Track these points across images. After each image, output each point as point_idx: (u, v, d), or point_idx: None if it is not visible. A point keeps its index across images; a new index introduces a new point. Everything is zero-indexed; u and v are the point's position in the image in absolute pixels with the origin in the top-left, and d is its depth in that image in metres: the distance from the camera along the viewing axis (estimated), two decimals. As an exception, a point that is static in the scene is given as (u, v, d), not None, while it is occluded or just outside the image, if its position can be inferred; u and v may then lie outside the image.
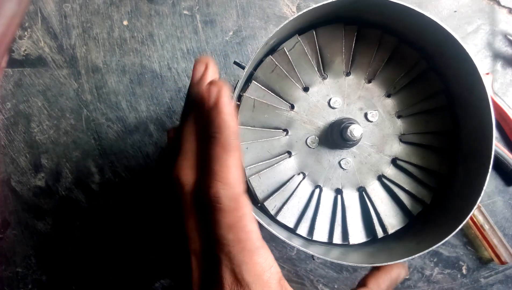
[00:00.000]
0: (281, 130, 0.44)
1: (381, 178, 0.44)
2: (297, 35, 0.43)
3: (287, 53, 0.43)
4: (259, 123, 0.44)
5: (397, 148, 0.45)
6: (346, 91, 0.45)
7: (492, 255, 0.54)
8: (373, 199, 0.44)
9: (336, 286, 0.56)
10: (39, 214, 0.56)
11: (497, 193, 0.56)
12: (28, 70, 0.55)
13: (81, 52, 0.55)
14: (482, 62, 0.56)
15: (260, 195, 0.43)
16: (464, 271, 0.56)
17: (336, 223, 0.44)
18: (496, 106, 0.54)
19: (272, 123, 0.44)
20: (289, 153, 0.44)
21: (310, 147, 0.44)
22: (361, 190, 0.44)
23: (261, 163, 0.43)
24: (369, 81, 0.45)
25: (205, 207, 0.25)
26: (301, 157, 0.44)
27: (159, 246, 0.56)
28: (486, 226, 0.53)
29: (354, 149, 0.44)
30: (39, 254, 0.56)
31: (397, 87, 0.44)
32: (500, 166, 0.55)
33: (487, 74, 0.54)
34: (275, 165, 0.44)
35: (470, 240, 0.56)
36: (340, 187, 0.44)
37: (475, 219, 0.54)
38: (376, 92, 0.45)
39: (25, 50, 0.55)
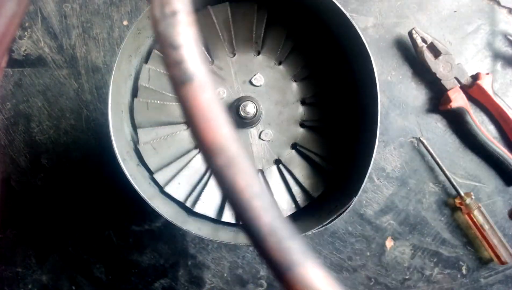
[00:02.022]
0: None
1: (295, 145, 0.47)
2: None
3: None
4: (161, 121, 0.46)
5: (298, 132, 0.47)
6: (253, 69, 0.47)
7: (492, 255, 0.54)
8: (291, 169, 0.47)
9: (336, 286, 0.56)
10: (39, 214, 0.56)
11: (497, 193, 0.56)
12: (28, 70, 0.55)
13: (81, 52, 0.55)
14: (482, 62, 0.56)
15: (181, 197, 0.46)
16: (464, 271, 0.56)
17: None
18: (496, 106, 0.54)
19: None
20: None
21: None
22: (278, 163, 0.47)
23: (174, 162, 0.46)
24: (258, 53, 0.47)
25: None
26: None
27: (162, 247, 0.56)
28: (486, 226, 0.53)
29: (262, 126, 0.47)
30: (39, 254, 0.56)
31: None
32: (500, 166, 0.55)
33: (487, 74, 0.54)
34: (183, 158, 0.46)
35: (470, 240, 0.56)
36: (259, 167, 0.47)
37: (475, 219, 0.54)
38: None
39: (25, 50, 0.55)
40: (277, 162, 0.47)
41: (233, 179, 0.12)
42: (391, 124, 0.55)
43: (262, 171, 0.47)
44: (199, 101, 0.12)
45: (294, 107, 0.47)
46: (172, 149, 0.46)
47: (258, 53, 0.47)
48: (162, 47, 0.12)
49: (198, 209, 0.45)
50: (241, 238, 0.42)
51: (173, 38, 0.12)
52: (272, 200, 0.12)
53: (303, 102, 0.47)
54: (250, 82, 0.46)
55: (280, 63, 0.47)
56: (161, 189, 0.45)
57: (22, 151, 0.55)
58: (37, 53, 0.55)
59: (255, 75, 0.46)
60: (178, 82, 0.12)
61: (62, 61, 0.55)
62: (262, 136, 0.47)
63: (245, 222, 0.12)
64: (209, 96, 0.12)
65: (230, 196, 0.12)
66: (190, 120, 0.12)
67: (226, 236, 0.42)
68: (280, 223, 0.12)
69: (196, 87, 0.12)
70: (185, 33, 0.12)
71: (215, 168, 0.12)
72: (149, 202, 0.38)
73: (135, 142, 0.45)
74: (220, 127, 0.12)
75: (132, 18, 0.55)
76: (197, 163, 0.47)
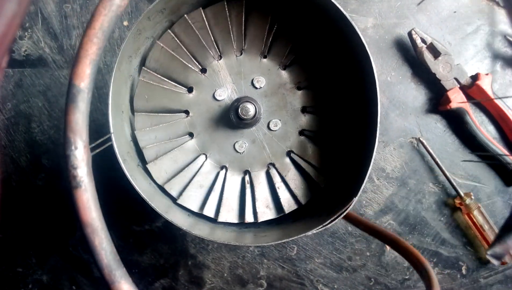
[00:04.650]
0: (183, 112, 0.47)
1: (290, 153, 0.47)
2: (170, 30, 0.45)
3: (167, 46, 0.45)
4: (159, 109, 0.47)
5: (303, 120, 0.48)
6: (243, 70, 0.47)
7: (492, 255, 0.54)
8: (283, 174, 0.47)
9: (336, 286, 0.56)
10: (40, 214, 0.56)
11: (497, 193, 0.56)
12: (29, 71, 0.55)
13: (81, 52, 0.55)
14: (481, 62, 0.56)
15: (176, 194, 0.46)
16: (463, 271, 0.56)
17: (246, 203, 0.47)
18: (496, 106, 0.54)
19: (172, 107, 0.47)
20: (204, 154, 0.47)
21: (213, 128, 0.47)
22: (270, 167, 0.47)
23: (178, 172, 0.47)
24: (265, 57, 0.47)
25: None
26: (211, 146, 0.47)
27: (162, 247, 0.56)
28: (486, 226, 0.54)
29: (263, 128, 0.47)
30: (39, 254, 0.56)
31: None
32: (500, 167, 0.55)
33: (487, 74, 0.54)
34: (190, 165, 0.47)
35: (469, 240, 0.56)
36: (248, 168, 0.47)
37: (474, 219, 0.54)
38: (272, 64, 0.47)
39: (25, 50, 0.55)
40: (271, 165, 0.47)
41: (93, 238, 0.23)
42: (391, 125, 0.55)
43: (249, 172, 0.47)
44: (82, 199, 0.23)
45: (295, 97, 0.47)
46: (164, 101, 0.47)
47: (265, 57, 0.47)
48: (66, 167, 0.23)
49: (150, 166, 0.45)
50: (241, 239, 0.42)
51: (73, 162, 0.23)
52: (112, 250, 0.24)
53: (304, 104, 0.47)
54: (252, 84, 0.46)
55: (284, 68, 0.47)
56: (161, 189, 0.45)
57: (23, 151, 0.55)
58: (37, 54, 0.55)
59: (258, 77, 0.46)
60: (72, 187, 0.23)
61: (63, 61, 0.55)
62: (271, 125, 0.47)
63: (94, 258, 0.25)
64: (88, 195, 0.23)
65: (91, 249, 0.24)
66: (76, 208, 0.23)
67: (225, 236, 0.42)
68: (111, 259, 0.24)
69: (82, 191, 0.23)
70: (80, 159, 0.23)
71: (85, 233, 0.23)
72: (149, 202, 0.38)
73: (137, 146, 0.45)
74: (90, 212, 0.23)
75: (132, 19, 0.56)
76: (177, 128, 0.47)
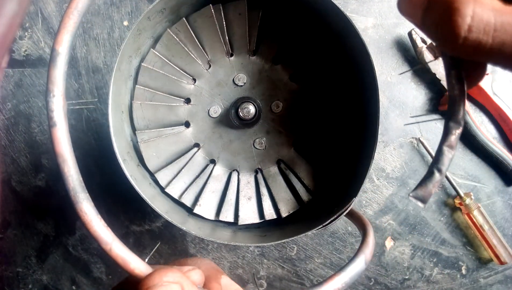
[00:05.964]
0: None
1: (305, 122, 0.47)
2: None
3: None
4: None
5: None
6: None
7: (492, 255, 0.54)
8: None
9: (335, 286, 0.56)
10: (40, 214, 0.56)
11: (497, 193, 0.56)
12: (29, 71, 0.55)
13: (81, 52, 0.55)
14: (481, 62, 0.56)
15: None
16: (463, 271, 0.56)
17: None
18: (495, 106, 0.54)
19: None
20: (235, 170, 0.47)
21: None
22: (296, 144, 0.47)
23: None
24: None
25: None
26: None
27: (162, 247, 0.56)
28: (486, 226, 0.54)
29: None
30: (40, 254, 0.56)
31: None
32: (500, 166, 0.55)
33: (487, 74, 0.54)
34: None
35: (469, 241, 0.56)
36: (279, 157, 0.47)
37: (474, 219, 0.54)
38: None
39: (25, 50, 0.55)
40: (295, 141, 0.47)
41: (63, 167, 0.26)
42: (390, 125, 0.56)
43: (282, 161, 0.47)
44: (56, 135, 0.26)
45: (278, 72, 0.47)
46: (172, 148, 0.46)
47: (231, 55, 0.47)
48: (46, 111, 0.27)
49: (197, 210, 0.45)
50: (241, 239, 0.42)
51: (51, 106, 0.26)
52: (78, 178, 0.27)
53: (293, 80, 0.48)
54: (236, 84, 0.46)
55: (253, 54, 0.47)
56: (161, 189, 0.45)
57: (23, 151, 0.55)
58: (37, 54, 0.55)
59: (237, 76, 0.46)
60: (49, 126, 0.26)
61: (63, 61, 0.55)
62: (274, 109, 0.47)
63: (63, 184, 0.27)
64: (62, 133, 0.26)
65: (61, 176, 0.26)
66: (52, 143, 0.27)
67: (226, 236, 0.42)
68: (77, 185, 0.27)
69: (57, 129, 0.26)
70: (57, 104, 0.27)
71: (57, 161, 0.26)
72: (149, 202, 0.38)
73: (135, 142, 0.45)
74: (62, 145, 0.26)
75: (133, 19, 0.56)
76: (198, 164, 0.47)
